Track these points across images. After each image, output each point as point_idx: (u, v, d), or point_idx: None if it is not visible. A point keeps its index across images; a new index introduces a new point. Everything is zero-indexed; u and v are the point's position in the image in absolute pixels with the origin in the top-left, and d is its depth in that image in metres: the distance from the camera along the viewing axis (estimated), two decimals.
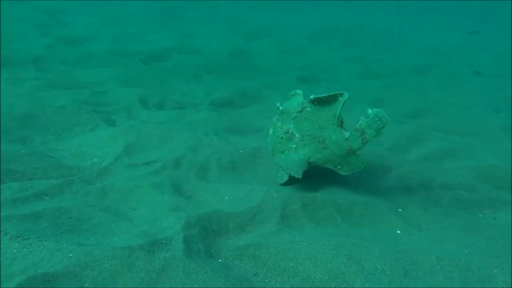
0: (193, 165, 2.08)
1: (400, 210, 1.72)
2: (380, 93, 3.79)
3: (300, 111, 1.87)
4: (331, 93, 1.76)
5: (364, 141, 1.74)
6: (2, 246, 1.29)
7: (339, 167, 1.77)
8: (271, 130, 2.00)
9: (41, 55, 4.27)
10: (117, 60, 4.39)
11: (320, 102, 1.80)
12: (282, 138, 1.89)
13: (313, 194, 1.74)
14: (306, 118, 1.82)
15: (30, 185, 1.75)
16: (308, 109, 1.84)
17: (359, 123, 1.76)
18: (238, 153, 2.20)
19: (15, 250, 1.28)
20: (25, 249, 1.29)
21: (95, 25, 6.52)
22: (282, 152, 1.89)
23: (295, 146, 1.84)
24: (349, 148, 1.74)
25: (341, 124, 1.78)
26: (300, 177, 1.77)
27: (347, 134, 1.74)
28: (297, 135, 1.84)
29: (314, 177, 1.95)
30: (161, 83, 3.68)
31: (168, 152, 2.16)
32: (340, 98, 1.75)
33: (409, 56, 5.83)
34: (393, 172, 2.04)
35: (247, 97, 3.49)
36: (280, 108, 1.95)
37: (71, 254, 1.26)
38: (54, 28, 5.94)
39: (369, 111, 1.74)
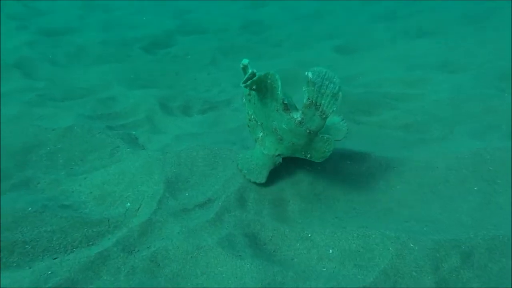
0: (263, 198, 1.52)
1: None
2: (442, 54, 3.12)
3: (249, 94, 1.50)
4: (247, 75, 1.37)
5: (323, 116, 1.35)
6: None
7: (309, 155, 1.47)
8: (246, 113, 1.64)
9: (25, 56, 3.58)
10: (116, 53, 3.70)
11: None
12: (248, 126, 1.63)
13: (466, 234, 1.18)
14: (254, 104, 1.52)
15: (49, 271, 1.20)
16: (253, 91, 1.46)
17: (306, 97, 1.35)
18: (317, 170, 1.64)
19: None
20: None
21: (78, 10, 5.72)
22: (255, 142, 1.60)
23: (261, 134, 1.56)
24: (308, 132, 1.38)
25: (286, 107, 1.39)
26: (264, 181, 1.51)
27: (298, 116, 1.37)
28: (259, 122, 1.54)
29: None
30: (177, 77, 3.04)
31: (224, 182, 1.59)
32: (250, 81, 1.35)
33: (448, 4, 5.03)
34: None
35: (284, 82, 2.85)
36: None
37: None
38: (32, 18, 5.15)
39: (309, 74, 1.33)
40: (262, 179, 1.52)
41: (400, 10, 4.99)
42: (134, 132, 2.16)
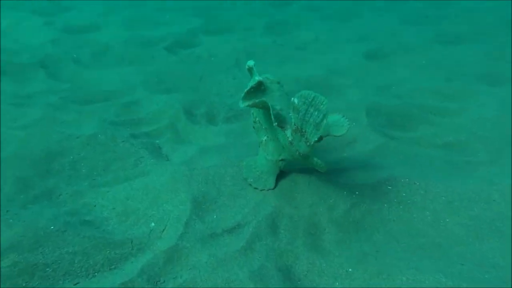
0: (296, 225, 1.41)
1: None
2: (484, 63, 2.91)
3: None
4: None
5: (308, 143, 1.29)
6: None
7: (310, 165, 1.45)
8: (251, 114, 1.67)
9: (49, 55, 3.56)
10: (139, 54, 3.64)
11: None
12: (253, 127, 1.62)
13: None
14: (258, 109, 1.52)
15: None
16: None
17: (292, 122, 1.30)
18: (354, 195, 1.52)
19: None
20: None
21: (101, 6, 5.70)
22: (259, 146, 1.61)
23: (265, 138, 1.55)
24: (298, 153, 1.36)
25: (280, 126, 1.38)
26: (273, 187, 1.52)
27: (289, 136, 1.36)
28: (263, 126, 1.53)
29: None
30: (201, 81, 2.95)
31: (254, 205, 1.48)
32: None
33: (487, 5, 4.73)
34: None
35: (314, 90, 2.72)
36: None
37: None
38: (57, 14, 5.15)
39: (295, 100, 1.25)
40: (271, 185, 1.53)
41: (432, 12, 4.74)
42: (157, 141, 2.08)
